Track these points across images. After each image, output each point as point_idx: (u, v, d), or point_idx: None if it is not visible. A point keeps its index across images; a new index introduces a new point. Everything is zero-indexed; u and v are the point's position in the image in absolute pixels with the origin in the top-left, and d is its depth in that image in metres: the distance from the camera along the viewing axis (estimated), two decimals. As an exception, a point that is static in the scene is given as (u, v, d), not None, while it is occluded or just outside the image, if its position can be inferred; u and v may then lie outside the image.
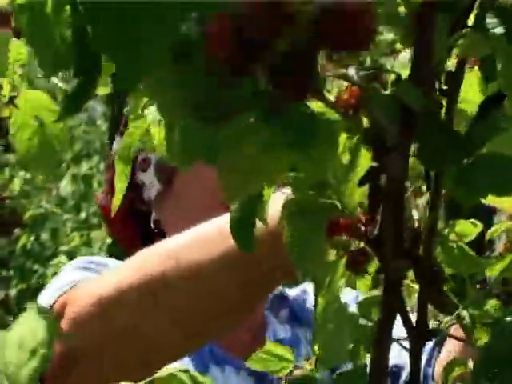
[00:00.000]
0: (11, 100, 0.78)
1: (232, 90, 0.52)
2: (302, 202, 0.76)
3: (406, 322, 0.68)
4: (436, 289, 0.60)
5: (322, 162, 0.60)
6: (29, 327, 0.48)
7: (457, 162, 0.56)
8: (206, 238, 1.03)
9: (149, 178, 1.44)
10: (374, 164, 0.60)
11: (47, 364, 0.46)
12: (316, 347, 0.78)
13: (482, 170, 0.56)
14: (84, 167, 4.61)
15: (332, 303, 0.77)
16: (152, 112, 0.78)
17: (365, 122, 0.58)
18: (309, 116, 0.54)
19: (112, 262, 1.39)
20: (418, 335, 0.68)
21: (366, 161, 0.64)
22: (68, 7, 0.64)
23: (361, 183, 0.61)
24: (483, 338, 0.75)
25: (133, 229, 1.54)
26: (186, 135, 0.65)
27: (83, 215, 4.48)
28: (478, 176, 0.56)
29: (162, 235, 1.47)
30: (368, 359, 0.87)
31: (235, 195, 0.64)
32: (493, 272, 0.78)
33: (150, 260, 1.04)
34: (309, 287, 1.54)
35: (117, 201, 0.87)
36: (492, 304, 0.76)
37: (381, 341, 0.59)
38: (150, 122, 0.78)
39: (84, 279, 1.15)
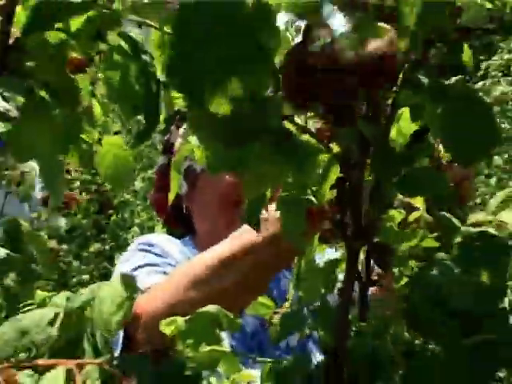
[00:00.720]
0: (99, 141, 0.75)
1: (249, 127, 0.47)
2: (289, 197, 0.71)
3: (358, 275, 0.63)
4: (382, 256, 0.55)
5: (307, 173, 0.55)
6: (116, 287, 0.43)
7: (395, 174, 0.51)
8: (221, 264, 0.94)
9: (180, 182, 1.38)
10: (341, 175, 0.54)
11: (130, 314, 0.42)
12: (300, 293, 0.72)
13: (413, 179, 0.50)
14: (148, 173, 4.65)
15: (309, 264, 0.72)
16: (194, 139, 0.74)
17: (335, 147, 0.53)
18: (302, 144, 0.49)
19: (155, 238, 1.35)
20: (365, 283, 0.63)
21: (334, 174, 0.59)
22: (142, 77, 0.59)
23: (332, 188, 0.56)
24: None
25: (172, 213, 1.48)
26: (219, 154, 0.60)
27: (148, 202, 4.53)
28: (410, 183, 0.50)
29: (190, 217, 1.44)
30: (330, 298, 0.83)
31: (252, 193, 0.59)
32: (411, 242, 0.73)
33: (187, 285, 0.95)
34: None
35: (172, 195, 0.82)
36: (412, 263, 0.71)
37: (346, 289, 0.53)
38: (193, 144, 0.73)
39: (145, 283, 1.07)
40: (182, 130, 1.28)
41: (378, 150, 0.50)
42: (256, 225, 0.68)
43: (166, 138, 1.42)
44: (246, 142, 0.48)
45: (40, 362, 0.38)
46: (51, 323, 0.42)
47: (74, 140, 0.61)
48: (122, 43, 0.59)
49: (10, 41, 0.50)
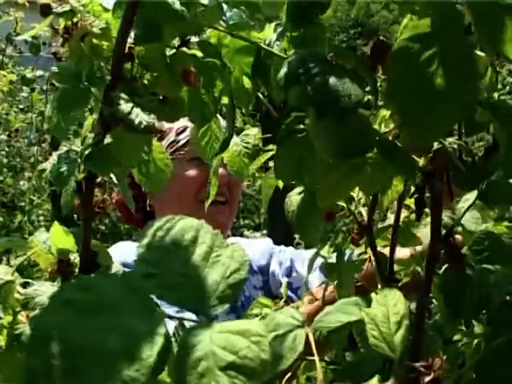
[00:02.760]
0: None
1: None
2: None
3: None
4: (459, 260, 0.62)
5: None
6: (387, 306, 0.45)
7: (476, 185, 0.58)
8: None
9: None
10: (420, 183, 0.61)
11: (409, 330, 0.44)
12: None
13: (494, 189, 0.58)
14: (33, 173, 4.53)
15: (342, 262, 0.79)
16: (231, 146, 0.77)
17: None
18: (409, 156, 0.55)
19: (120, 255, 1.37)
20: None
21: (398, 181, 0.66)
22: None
23: (411, 196, 0.62)
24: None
25: (137, 212, 1.47)
26: (287, 165, 0.64)
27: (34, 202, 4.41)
28: (493, 194, 0.58)
29: (153, 214, 1.44)
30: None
31: (329, 200, 0.64)
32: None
33: None
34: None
35: (209, 201, 0.85)
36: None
37: (426, 290, 0.60)
38: (230, 151, 0.77)
39: None
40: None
41: (459, 162, 0.57)
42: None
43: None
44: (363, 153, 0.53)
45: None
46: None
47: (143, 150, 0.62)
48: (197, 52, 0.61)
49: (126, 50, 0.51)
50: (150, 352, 0.27)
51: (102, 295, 0.30)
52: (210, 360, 0.32)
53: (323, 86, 0.50)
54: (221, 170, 1.35)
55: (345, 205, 0.77)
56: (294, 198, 0.74)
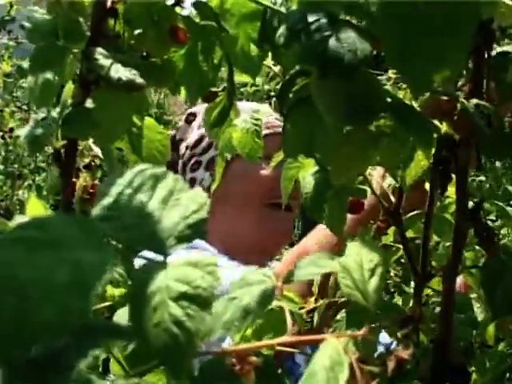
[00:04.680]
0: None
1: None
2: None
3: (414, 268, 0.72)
4: (489, 237, 0.63)
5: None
6: (361, 254, 0.47)
7: (506, 154, 0.60)
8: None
9: (200, 175, 1.44)
10: (445, 154, 0.62)
11: (385, 280, 0.46)
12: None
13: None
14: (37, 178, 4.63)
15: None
16: (239, 122, 0.80)
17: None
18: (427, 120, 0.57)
19: None
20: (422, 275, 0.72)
21: (421, 154, 0.67)
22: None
23: (434, 166, 0.63)
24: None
25: None
26: (295, 138, 0.66)
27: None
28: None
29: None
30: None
31: (343, 175, 0.66)
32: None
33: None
34: None
35: (216, 183, 0.89)
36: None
37: (451, 274, 0.61)
38: (238, 129, 0.79)
39: None
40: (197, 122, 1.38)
41: (491, 130, 0.58)
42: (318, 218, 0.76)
43: (172, 133, 1.47)
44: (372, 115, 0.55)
45: (290, 339, 0.43)
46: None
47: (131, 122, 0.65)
48: (194, 14, 0.64)
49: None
50: (98, 282, 0.30)
51: (53, 232, 0.33)
52: (163, 293, 0.36)
53: (325, 41, 0.52)
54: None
55: (368, 189, 0.79)
56: (309, 178, 0.76)
